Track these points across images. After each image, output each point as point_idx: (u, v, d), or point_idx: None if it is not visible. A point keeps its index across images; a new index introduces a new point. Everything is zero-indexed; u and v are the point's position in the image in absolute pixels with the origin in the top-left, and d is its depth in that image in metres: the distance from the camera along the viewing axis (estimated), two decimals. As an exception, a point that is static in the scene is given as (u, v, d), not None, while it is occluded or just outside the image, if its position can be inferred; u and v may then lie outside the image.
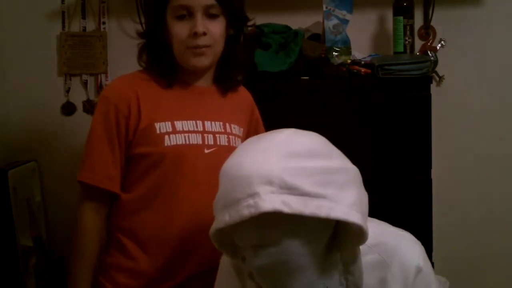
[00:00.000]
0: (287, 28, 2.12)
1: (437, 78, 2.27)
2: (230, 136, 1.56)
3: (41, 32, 2.46)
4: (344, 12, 2.08)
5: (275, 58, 2.03)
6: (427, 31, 2.27)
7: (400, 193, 1.97)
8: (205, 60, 1.53)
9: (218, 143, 1.53)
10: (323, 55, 2.06)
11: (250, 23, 1.65)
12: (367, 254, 1.11)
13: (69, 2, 2.45)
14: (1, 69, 2.47)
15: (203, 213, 1.45)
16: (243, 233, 1.00)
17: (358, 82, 2.00)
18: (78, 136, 2.30)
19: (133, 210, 1.52)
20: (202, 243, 1.48)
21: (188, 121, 1.52)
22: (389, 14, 2.20)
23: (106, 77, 2.45)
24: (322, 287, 1.06)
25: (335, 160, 1.02)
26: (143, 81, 1.56)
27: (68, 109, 2.48)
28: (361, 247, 1.07)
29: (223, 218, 0.98)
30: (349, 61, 2.05)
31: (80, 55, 2.44)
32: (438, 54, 2.25)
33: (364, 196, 1.04)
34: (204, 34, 1.49)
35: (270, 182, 0.94)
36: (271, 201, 0.93)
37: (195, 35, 1.49)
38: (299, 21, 2.22)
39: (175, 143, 1.49)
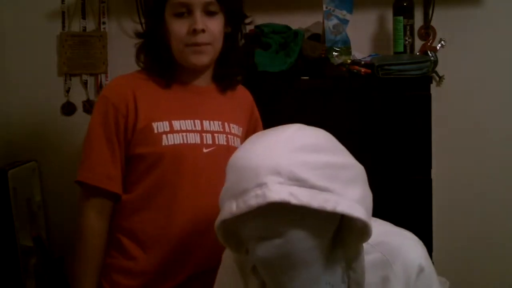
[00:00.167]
0: (287, 28, 2.12)
1: (437, 78, 2.27)
2: (229, 136, 1.56)
3: (41, 32, 2.46)
4: (344, 12, 2.08)
5: (275, 58, 2.03)
6: (427, 31, 2.27)
7: (400, 193, 1.96)
8: (204, 58, 1.53)
9: (217, 143, 1.53)
10: (323, 55, 2.05)
11: (247, 20, 1.65)
12: (370, 253, 1.11)
13: (69, 2, 2.45)
14: (1, 69, 2.47)
15: (203, 213, 1.45)
16: (249, 224, 1.00)
17: (358, 82, 2.00)
18: (78, 136, 2.29)
19: (133, 210, 1.51)
20: (202, 243, 1.49)
21: (186, 121, 1.52)
22: (389, 14, 2.20)
23: (106, 77, 2.46)
24: (325, 282, 1.06)
25: (340, 156, 1.02)
26: (141, 81, 1.56)
27: (68, 109, 2.48)
28: (364, 245, 1.07)
29: (230, 209, 0.97)
30: (349, 61, 2.05)
31: (80, 55, 2.45)
32: (438, 54, 2.25)
33: (369, 194, 1.04)
34: (203, 31, 1.49)
35: (278, 173, 0.95)
36: (279, 191, 0.93)
37: (194, 32, 1.49)
38: (299, 21, 2.22)
39: (172, 143, 1.48)
